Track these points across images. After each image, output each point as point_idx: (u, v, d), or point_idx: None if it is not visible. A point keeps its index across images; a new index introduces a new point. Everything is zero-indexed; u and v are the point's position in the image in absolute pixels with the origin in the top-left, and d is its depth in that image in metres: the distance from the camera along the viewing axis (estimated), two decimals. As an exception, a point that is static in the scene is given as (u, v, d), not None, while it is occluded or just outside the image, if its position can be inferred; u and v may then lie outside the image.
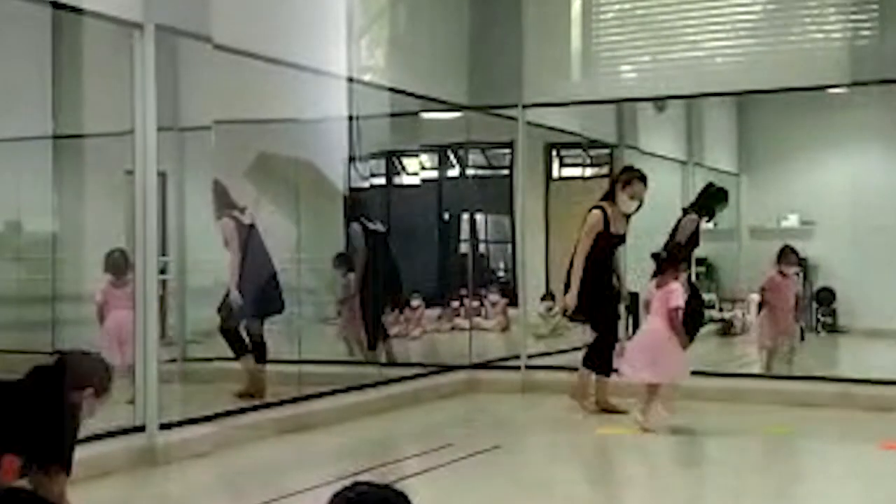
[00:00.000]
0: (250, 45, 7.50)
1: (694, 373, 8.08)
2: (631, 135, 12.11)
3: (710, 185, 9.60)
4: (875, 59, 8.76)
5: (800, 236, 11.78)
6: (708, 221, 9.20)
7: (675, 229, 8.92)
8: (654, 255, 7.58)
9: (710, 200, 9.40)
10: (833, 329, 12.81)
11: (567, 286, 8.05)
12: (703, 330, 10.65)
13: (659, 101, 11.48)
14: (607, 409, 8.10)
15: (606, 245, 8.02)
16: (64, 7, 6.18)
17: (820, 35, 9.17)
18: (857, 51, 8.88)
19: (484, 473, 6.42)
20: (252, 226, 7.92)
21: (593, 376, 8.16)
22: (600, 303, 8.02)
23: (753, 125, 13.65)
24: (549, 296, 12.62)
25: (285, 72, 7.91)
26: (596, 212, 7.88)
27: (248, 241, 7.80)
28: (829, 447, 7.56)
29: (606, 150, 12.28)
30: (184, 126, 8.09)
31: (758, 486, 6.31)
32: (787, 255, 9.45)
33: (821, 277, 12.75)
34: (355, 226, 9.55)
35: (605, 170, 12.51)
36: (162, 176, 7.26)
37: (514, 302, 10.90)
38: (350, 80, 8.66)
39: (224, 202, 7.87)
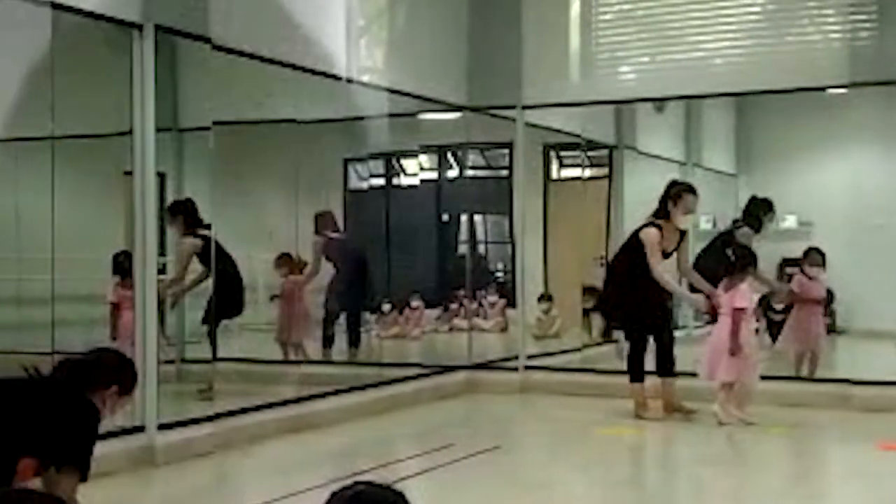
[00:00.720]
0: (248, 45, 7.51)
1: (690, 373, 8.10)
2: (630, 136, 12.11)
3: (753, 198, 9.61)
4: (874, 60, 8.76)
5: (798, 237, 11.76)
6: (757, 232, 9.17)
7: (726, 242, 8.81)
8: (726, 259, 7.80)
9: (757, 211, 9.41)
10: (832, 330, 12.80)
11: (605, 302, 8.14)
12: (702, 331, 10.66)
13: (658, 102, 11.47)
14: (676, 410, 7.99)
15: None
16: (63, 7, 6.18)
17: (818, 36, 9.17)
18: (856, 51, 8.88)
19: (484, 474, 6.42)
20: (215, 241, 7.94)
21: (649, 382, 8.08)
22: (640, 314, 8.00)
23: (752, 126, 13.64)
24: (546, 297, 12.62)
25: (284, 72, 7.91)
26: (653, 230, 7.85)
27: (219, 255, 7.83)
28: (828, 447, 7.57)
29: (605, 151, 12.28)
30: (183, 127, 8.09)
31: (757, 486, 6.31)
32: (811, 256, 9.33)
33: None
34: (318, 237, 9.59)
35: (604, 171, 12.51)
36: (161, 177, 7.26)
37: (512, 303, 10.90)
38: (349, 80, 8.66)
39: (193, 220, 7.89)
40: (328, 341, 9.66)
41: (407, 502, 2.40)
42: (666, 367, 8.04)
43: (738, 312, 7.63)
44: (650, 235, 7.82)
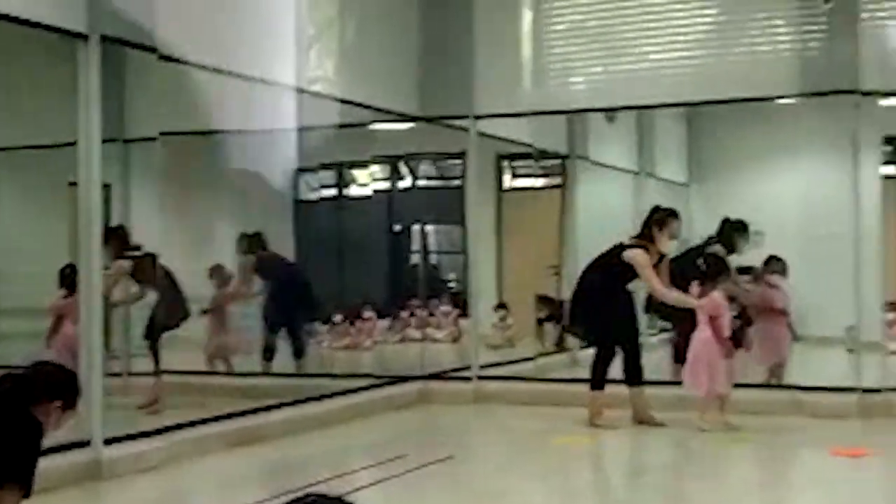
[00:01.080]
0: (197, 55, 7.44)
1: (647, 382, 8.12)
2: (582, 146, 12.14)
3: (726, 220, 9.66)
4: (823, 70, 8.86)
5: (749, 246, 11.83)
6: (731, 253, 9.20)
7: (698, 254, 8.84)
8: (698, 268, 7.95)
9: (731, 234, 9.45)
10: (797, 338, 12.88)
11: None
12: (656, 339, 10.70)
13: (609, 113, 11.53)
14: (645, 421, 8.03)
15: (631, 278, 8.06)
16: (7, 18, 6.08)
17: (768, 47, 9.26)
18: (805, 62, 8.97)
19: (437, 484, 6.38)
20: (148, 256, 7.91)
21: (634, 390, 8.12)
22: (612, 327, 8.10)
23: (703, 136, 13.75)
24: (502, 306, 12.62)
25: (233, 82, 7.85)
26: (641, 251, 7.93)
27: (156, 274, 7.81)
28: (783, 454, 7.60)
29: (558, 161, 12.31)
30: (129, 137, 8.00)
31: (710, 492, 6.32)
32: (773, 264, 9.38)
33: (771, 286, 12.83)
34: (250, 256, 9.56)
35: (556, 181, 12.54)
36: (106, 188, 7.18)
37: (465, 312, 10.87)
38: (299, 90, 8.60)
39: (123, 246, 7.87)
40: (269, 354, 9.59)
41: None
42: (634, 376, 8.09)
43: (714, 320, 7.72)
44: (641, 257, 7.90)
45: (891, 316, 11.88)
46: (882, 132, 9.41)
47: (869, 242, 8.83)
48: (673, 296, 7.97)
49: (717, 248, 9.14)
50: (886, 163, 10.54)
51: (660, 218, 8.01)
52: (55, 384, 4.06)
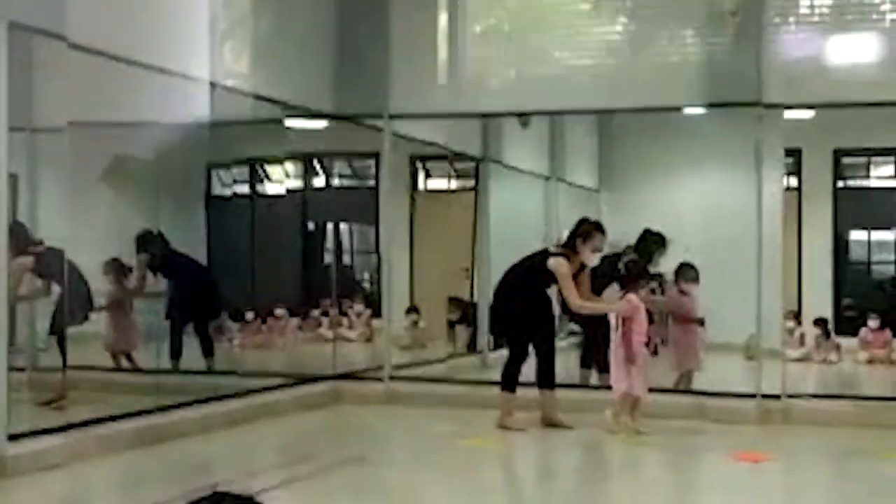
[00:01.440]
0: (108, 45, 7.28)
1: (558, 385, 8.22)
2: (495, 149, 12.23)
3: (647, 231, 9.82)
4: (728, 82, 9.05)
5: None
6: (648, 264, 9.34)
7: (612, 263, 8.96)
8: (618, 272, 8.23)
9: (649, 245, 9.61)
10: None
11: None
12: (565, 343, 10.81)
13: (522, 117, 11.63)
14: (554, 424, 8.11)
15: (550, 284, 8.14)
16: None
17: (677, 56, 9.44)
18: (712, 73, 9.16)
19: (347, 485, 6.36)
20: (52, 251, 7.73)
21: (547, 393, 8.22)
22: (526, 328, 8.19)
23: (613, 143, 13.94)
24: (414, 310, 12.63)
25: (145, 74, 7.71)
26: (562, 260, 8.02)
27: (58, 269, 7.65)
28: (684, 458, 7.75)
29: (472, 164, 12.38)
30: (37, 126, 7.80)
31: (614, 494, 6.42)
32: (685, 271, 9.53)
33: (675, 293, 13.08)
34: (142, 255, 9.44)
35: (470, 183, 12.61)
36: (13, 178, 6.99)
37: (378, 313, 10.85)
38: (212, 84, 8.49)
39: (24, 242, 7.70)
40: (175, 352, 9.45)
41: None
42: (547, 379, 8.17)
43: (627, 322, 7.88)
44: (563, 267, 8.00)
45: (790, 324, 12.26)
46: (784, 144, 9.66)
47: (771, 252, 9.04)
48: (588, 307, 8.10)
49: (633, 258, 9.33)
50: (787, 175, 10.85)
51: (585, 231, 8.13)
52: None
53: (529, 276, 8.20)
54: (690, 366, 9.38)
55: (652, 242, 9.65)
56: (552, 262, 8.05)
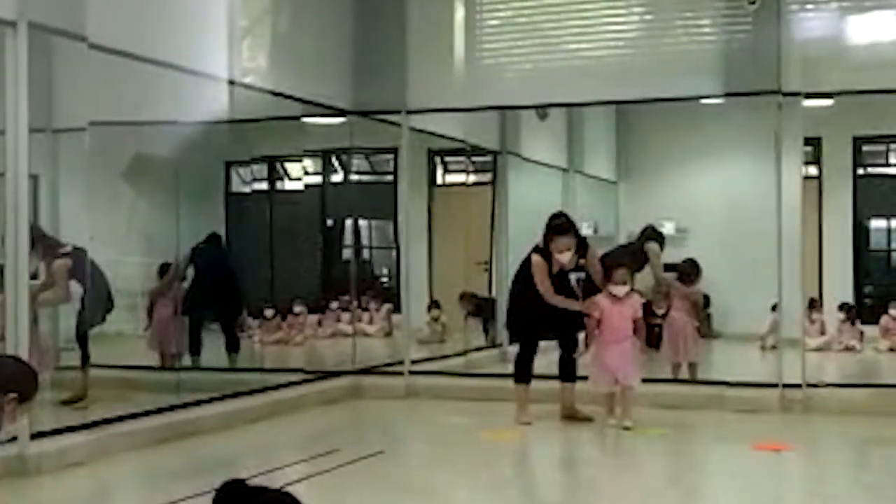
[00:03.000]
0: (127, 45, 7.33)
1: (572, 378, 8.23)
2: (514, 142, 12.23)
3: (646, 228, 10.01)
4: (747, 71, 9.02)
5: (675, 243, 12.03)
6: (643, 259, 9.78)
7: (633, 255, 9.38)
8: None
9: (647, 240, 9.94)
10: (707, 334, 13.14)
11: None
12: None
13: (540, 109, 11.62)
14: (572, 416, 8.14)
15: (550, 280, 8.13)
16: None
17: (694, 46, 9.40)
18: (730, 62, 9.13)
19: (367, 479, 6.39)
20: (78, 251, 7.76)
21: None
22: (527, 320, 8.24)
23: (631, 134, 13.92)
24: (436, 305, 12.66)
25: (164, 73, 7.76)
26: (535, 256, 8.07)
27: (84, 270, 7.68)
28: (704, 448, 7.76)
29: (490, 157, 12.37)
30: (58, 127, 7.86)
31: (635, 486, 6.43)
32: (687, 265, 9.66)
33: (695, 283, 13.07)
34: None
35: (488, 176, 12.61)
36: (34, 178, 7.05)
37: (397, 307, 10.89)
38: (231, 82, 8.54)
39: (48, 244, 7.72)
40: (195, 348, 9.51)
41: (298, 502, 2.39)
42: (568, 372, 8.19)
43: (594, 321, 7.96)
44: (536, 264, 8.06)
45: (814, 315, 12.23)
46: (804, 133, 9.62)
47: (791, 242, 9.02)
48: (557, 300, 8.07)
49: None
50: (807, 163, 10.79)
51: (547, 234, 8.10)
52: (10, 377, 3.99)
53: (523, 272, 8.25)
54: (690, 358, 9.44)
55: (648, 238, 10.11)
56: (532, 259, 8.12)
